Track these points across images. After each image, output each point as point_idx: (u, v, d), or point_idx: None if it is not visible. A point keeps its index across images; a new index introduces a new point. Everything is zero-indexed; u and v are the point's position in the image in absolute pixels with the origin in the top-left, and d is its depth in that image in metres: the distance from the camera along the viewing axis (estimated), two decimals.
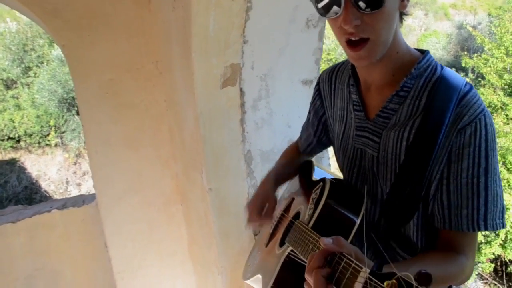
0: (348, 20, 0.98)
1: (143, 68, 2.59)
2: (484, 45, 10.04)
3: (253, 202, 1.43)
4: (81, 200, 3.07)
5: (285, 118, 2.21)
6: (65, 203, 3.07)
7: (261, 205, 1.40)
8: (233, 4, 1.81)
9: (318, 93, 1.43)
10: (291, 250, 1.21)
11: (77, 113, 13.54)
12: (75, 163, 14.63)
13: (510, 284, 9.63)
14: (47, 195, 13.54)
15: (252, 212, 1.40)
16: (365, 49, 1.03)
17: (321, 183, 1.25)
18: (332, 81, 1.35)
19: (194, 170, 2.28)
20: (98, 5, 2.37)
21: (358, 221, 1.12)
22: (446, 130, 1.02)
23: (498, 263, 9.65)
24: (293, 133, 2.23)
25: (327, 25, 1.12)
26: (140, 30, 2.50)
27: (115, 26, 2.42)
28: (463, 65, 10.78)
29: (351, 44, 1.03)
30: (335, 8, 1.00)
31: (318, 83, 1.42)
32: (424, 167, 1.03)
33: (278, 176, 1.50)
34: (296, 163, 1.58)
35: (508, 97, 9.46)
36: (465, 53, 11.70)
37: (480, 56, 10.42)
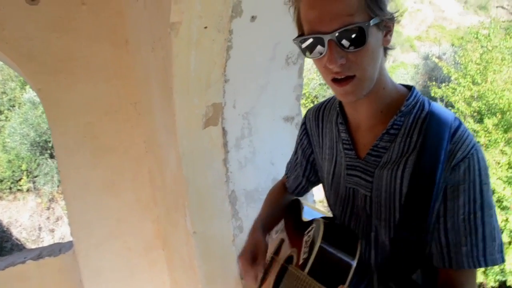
0: (333, 60, 0.97)
1: (122, 110, 2.54)
2: (450, 74, 10.38)
3: (244, 253, 1.37)
4: (58, 249, 2.94)
5: (268, 156, 2.18)
6: (40, 253, 2.93)
7: (252, 256, 1.34)
8: (214, 43, 1.80)
9: (305, 132, 1.40)
10: None
11: (50, 157, 13.25)
12: (48, 208, 14.20)
13: None
14: (19, 243, 13.03)
15: (244, 264, 1.34)
16: (351, 85, 1.02)
17: (314, 225, 1.21)
18: (319, 120, 1.33)
19: (176, 213, 2.21)
20: (75, 47, 2.34)
21: (354, 264, 1.08)
22: (442, 169, 1.00)
23: None
24: (277, 171, 2.20)
25: (307, 61, 1.12)
26: (118, 72, 2.47)
27: (92, 68, 2.39)
28: (432, 94, 11.08)
29: (337, 80, 1.02)
30: (319, 48, 1.00)
31: (304, 123, 1.40)
32: (426, 209, 1.01)
33: (266, 223, 1.45)
34: (283, 204, 1.54)
35: (477, 124, 9.72)
36: (433, 83, 12.06)
37: (448, 85, 10.74)
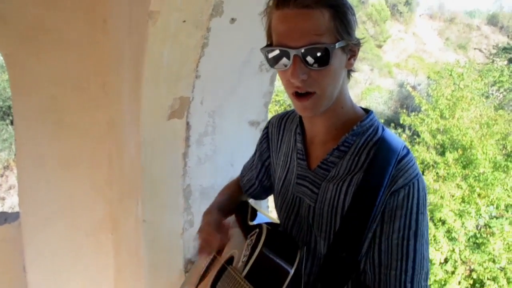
0: (295, 75, 1.02)
1: (89, 88, 2.51)
2: (421, 105, 10.67)
3: (206, 228, 1.37)
4: (3, 218, 2.87)
5: (229, 156, 2.21)
6: None
7: (215, 230, 1.35)
8: (190, 38, 1.82)
9: (266, 137, 1.44)
10: None
11: (12, 123, 12.86)
12: (1, 175, 13.78)
13: None
14: None
15: (209, 230, 1.34)
16: (310, 101, 1.07)
17: (257, 229, 1.25)
18: (281, 127, 1.38)
19: (129, 199, 2.21)
20: (50, 18, 2.30)
21: (292, 272, 1.12)
22: (384, 192, 1.05)
23: None
24: (236, 172, 2.20)
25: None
26: (91, 50, 2.44)
27: (65, 43, 2.36)
28: (401, 121, 11.37)
29: (298, 95, 1.07)
30: (284, 60, 1.04)
31: (267, 127, 1.44)
32: (362, 228, 1.05)
33: (222, 208, 1.47)
34: (236, 199, 1.57)
35: (439, 156, 10.02)
36: (404, 110, 12.39)
37: (417, 115, 11.04)
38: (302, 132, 1.26)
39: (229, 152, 2.21)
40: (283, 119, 1.39)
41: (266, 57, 1.08)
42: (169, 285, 2.10)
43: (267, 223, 1.28)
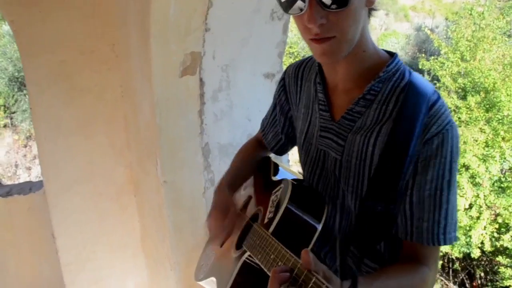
0: (312, 19, 0.92)
1: (98, 51, 2.46)
2: (441, 48, 10.30)
3: (213, 215, 1.35)
4: (28, 188, 2.91)
5: (245, 111, 2.15)
6: (10, 190, 2.90)
7: (222, 217, 1.33)
8: None
9: (283, 88, 1.36)
10: (249, 255, 1.15)
11: None
12: (25, 146, 14.05)
13: (456, 280, 10.02)
14: None
15: (215, 222, 1.33)
16: (330, 44, 0.98)
17: (282, 185, 1.20)
18: (298, 77, 1.30)
19: (148, 161, 2.19)
20: None
21: (319, 228, 1.08)
22: (417, 141, 0.98)
23: (445, 260, 10.03)
24: (253, 127, 2.17)
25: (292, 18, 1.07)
26: (96, 11, 2.37)
27: (69, 5, 2.29)
28: (420, 66, 11.04)
29: (316, 39, 0.98)
30: (299, 3, 0.94)
31: (283, 78, 1.36)
32: (397, 180, 0.99)
33: (234, 180, 1.44)
34: (254, 161, 1.51)
35: (461, 100, 9.77)
36: (423, 55, 12.00)
37: (436, 59, 10.69)
38: (323, 81, 1.18)
39: (245, 107, 2.15)
40: (300, 68, 1.31)
41: (279, 1, 0.99)
42: (193, 244, 2.10)
43: (291, 179, 1.23)
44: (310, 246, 1.06)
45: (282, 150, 1.49)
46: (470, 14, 9.43)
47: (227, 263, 1.30)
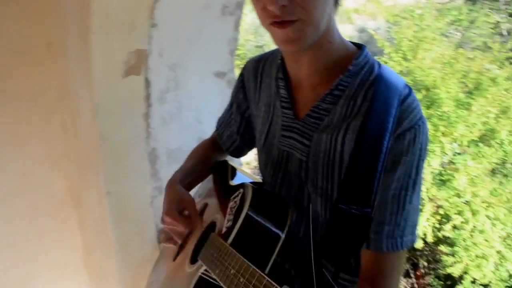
0: (273, 0, 0.82)
1: (33, 51, 2.22)
2: (384, 49, 10.55)
3: (169, 208, 1.16)
4: None
5: (195, 113, 2.01)
6: None
7: (180, 209, 1.14)
8: None
9: (241, 85, 1.24)
10: (205, 270, 1.02)
11: None
12: None
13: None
14: None
15: (172, 218, 1.13)
16: (294, 29, 0.87)
17: (241, 190, 1.08)
18: (258, 73, 1.18)
19: (90, 170, 2.00)
20: None
21: (283, 236, 0.96)
22: (390, 137, 0.89)
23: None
24: (204, 130, 2.04)
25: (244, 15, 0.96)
26: (30, 6, 2.14)
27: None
28: None
29: (277, 23, 0.87)
30: None
31: (242, 74, 1.24)
32: (371, 179, 0.89)
33: (186, 177, 1.26)
34: (208, 162, 1.37)
35: None
36: None
37: (380, 59, 10.94)
38: (285, 76, 1.07)
39: (195, 109, 2.01)
40: (259, 63, 1.19)
41: None
42: (141, 258, 1.94)
43: (251, 183, 1.11)
44: (273, 257, 0.93)
45: (238, 152, 1.36)
46: (411, 16, 9.72)
47: (180, 279, 1.16)
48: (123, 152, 1.83)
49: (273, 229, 0.97)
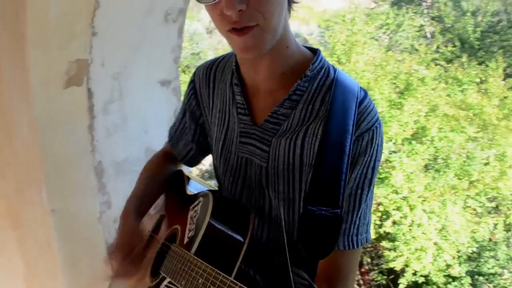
0: (230, 4, 0.81)
1: None
2: None
3: (117, 249, 1.12)
4: None
5: (141, 123, 1.95)
6: None
7: (128, 250, 1.10)
8: None
9: (193, 92, 1.21)
10: (169, 282, 1.00)
11: None
12: None
13: None
14: None
15: (118, 261, 1.10)
16: (252, 35, 0.87)
17: (201, 199, 1.06)
18: (210, 79, 1.16)
19: (30, 188, 1.88)
20: None
21: (246, 242, 0.96)
22: (351, 138, 0.92)
23: None
24: (151, 140, 1.98)
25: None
26: None
27: None
28: None
29: (236, 30, 0.86)
30: None
31: (193, 81, 1.21)
32: (338, 180, 0.90)
33: (141, 203, 1.22)
34: (163, 178, 1.33)
35: None
36: None
37: None
38: (241, 82, 1.06)
39: (141, 118, 1.96)
40: (211, 68, 1.17)
41: None
42: (92, 277, 1.85)
43: (209, 191, 1.09)
44: (238, 263, 0.94)
45: (194, 161, 1.33)
46: (343, 21, 10.07)
47: None
48: (67, 167, 1.74)
49: (236, 236, 0.97)
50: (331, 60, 10.20)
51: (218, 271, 0.83)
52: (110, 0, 1.61)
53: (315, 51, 1.04)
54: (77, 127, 1.74)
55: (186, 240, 1.02)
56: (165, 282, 1.01)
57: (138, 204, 1.22)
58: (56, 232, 1.75)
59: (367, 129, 0.94)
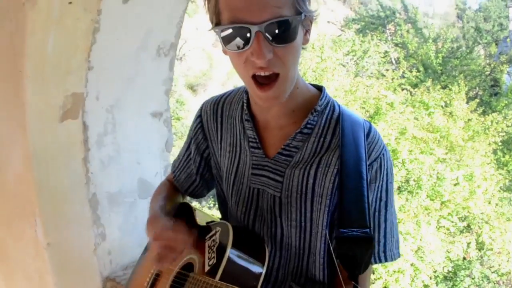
0: (261, 54, 0.89)
1: None
2: None
3: (163, 233, 1.11)
4: None
5: (134, 154, 1.97)
6: None
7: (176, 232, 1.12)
8: (78, 23, 1.55)
9: (200, 126, 1.27)
10: None
11: None
12: None
13: None
14: None
15: (170, 238, 1.10)
16: (274, 90, 0.96)
17: (219, 229, 1.10)
18: (218, 114, 1.22)
19: (21, 222, 1.86)
20: None
21: (264, 271, 1.02)
22: (366, 165, 1.01)
23: None
24: (144, 171, 2.01)
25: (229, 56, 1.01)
26: None
27: None
28: None
29: (259, 83, 0.95)
30: (238, 40, 0.91)
31: (200, 115, 1.28)
32: (362, 204, 0.98)
33: (165, 212, 1.22)
34: (173, 202, 1.35)
35: None
36: None
37: None
38: (252, 117, 1.13)
39: (133, 150, 1.98)
40: (218, 104, 1.24)
41: (220, 36, 0.94)
42: None
43: (226, 222, 1.14)
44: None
45: (196, 193, 1.37)
46: (313, 48, 10.36)
47: None
48: (62, 200, 1.73)
49: (255, 264, 1.03)
50: None
51: None
52: (106, 37, 1.65)
53: (319, 88, 1.12)
54: (72, 159, 1.75)
55: (207, 268, 1.05)
56: None
57: (162, 211, 1.22)
58: (51, 265, 1.73)
59: (376, 158, 1.03)
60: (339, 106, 1.11)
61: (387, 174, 1.06)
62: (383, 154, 1.04)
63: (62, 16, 1.49)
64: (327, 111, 1.09)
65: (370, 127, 1.06)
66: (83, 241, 1.80)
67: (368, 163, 1.01)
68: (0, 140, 1.89)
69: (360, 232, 0.96)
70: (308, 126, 1.07)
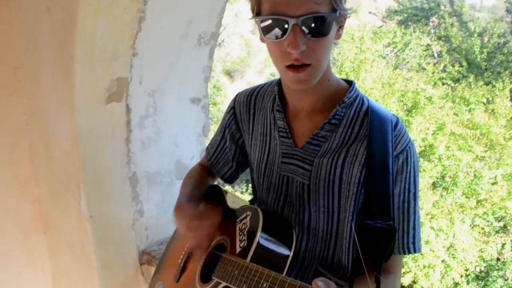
0: (296, 45, 0.96)
1: None
2: None
3: (192, 223, 1.21)
4: None
5: (172, 137, 2.08)
6: None
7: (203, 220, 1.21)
8: (125, 12, 1.65)
9: (233, 117, 1.36)
10: (225, 287, 1.11)
11: None
12: None
13: None
14: None
15: (198, 228, 1.20)
16: (306, 73, 1.02)
17: (249, 213, 1.18)
18: (250, 106, 1.31)
19: (66, 195, 2.00)
20: None
21: (291, 254, 1.09)
22: (393, 158, 1.06)
23: None
24: (181, 153, 2.11)
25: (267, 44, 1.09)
26: None
27: None
28: None
29: (293, 67, 1.01)
30: (276, 30, 0.99)
31: (233, 107, 1.36)
32: (387, 196, 1.05)
33: (190, 202, 1.31)
34: (204, 187, 1.45)
35: None
36: None
37: None
38: (283, 108, 1.20)
39: (172, 133, 2.08)
40: (251, 96, 1.32)
41: (260, 26, 1.01)
42: (124, 280, 1.97)
43: (256, 206, 1.22)
44: (284, 272, 1.06)
45: (233, 178, 1.47)
46: (352, 38, 10.24)
47: None
48: (105, 177, 1.86)
49: (283, 247, 1.10)
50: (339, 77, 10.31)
51: (285, 276, 0.95)
52: (151, 25, 1.74)
53: (349, 82, 1.18)
54: (115, 139, 1.87)
55: (238, 249, 1.13)
56: (221, 286, 1.12)
57: (188, 201, 1.31)
58: (92, 237, 1.87)
59: (402, 150, 1.08)
60: (368, 100, 1.17)
61: (414, 167, 1.10)
62: (409, 147, 1.09)
63: (111, 5, 1.59)
64: (355, 104, 1.14)
65: (397, 121, 1.11)
66: (122, 216, 1.93)
67: (394, 155, 1.06)
68: (50, 119, 2.03)
69: (384, 224, 1.03)
70: (336, 117, 1.13)
